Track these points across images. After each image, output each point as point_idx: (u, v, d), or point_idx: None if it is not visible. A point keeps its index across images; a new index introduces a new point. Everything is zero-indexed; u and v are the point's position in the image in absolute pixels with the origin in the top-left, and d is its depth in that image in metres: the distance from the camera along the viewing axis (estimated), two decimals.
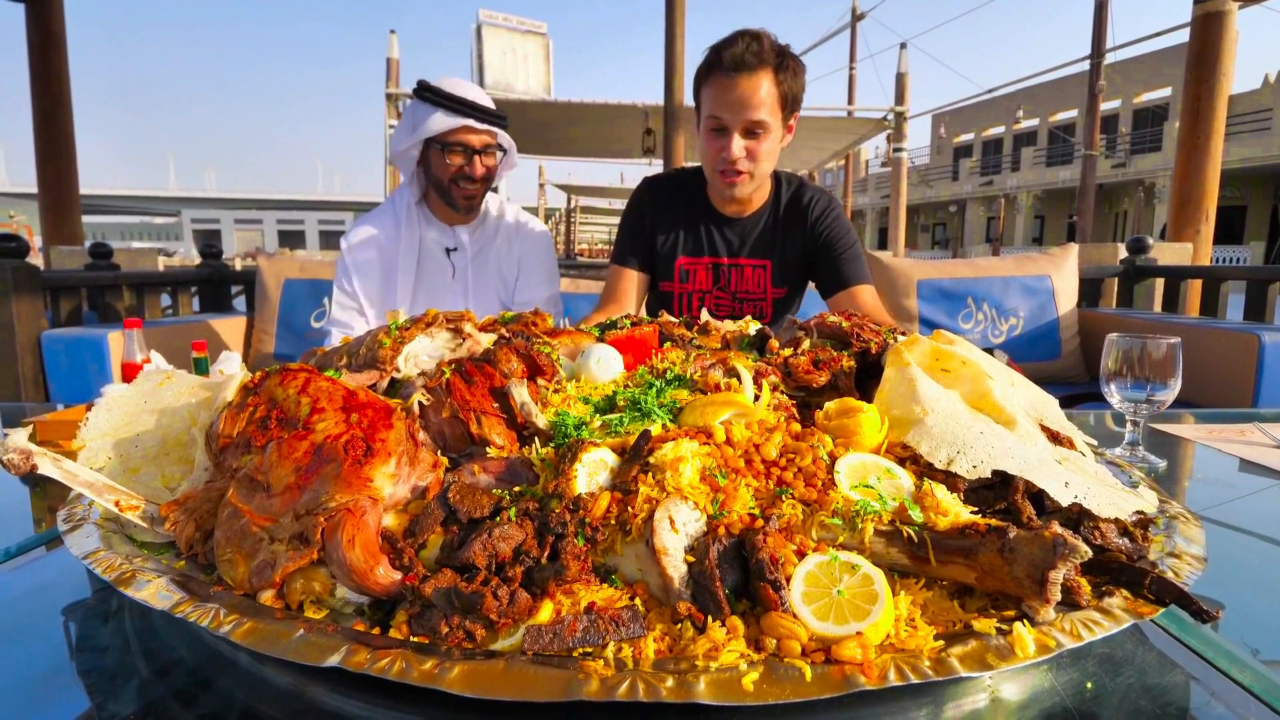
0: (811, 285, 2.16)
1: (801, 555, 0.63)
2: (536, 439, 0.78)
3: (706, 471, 0.69)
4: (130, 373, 1.47)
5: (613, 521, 0.65)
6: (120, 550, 0.73)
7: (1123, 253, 3.78)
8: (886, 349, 1.02)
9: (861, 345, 1.02)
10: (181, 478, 0.86)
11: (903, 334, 1.08)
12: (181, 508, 0.75)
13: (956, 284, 3.27)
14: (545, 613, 0.58)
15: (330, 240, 68.58)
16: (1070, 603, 0.61)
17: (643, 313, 2.22)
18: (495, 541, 0.61)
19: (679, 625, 0.59)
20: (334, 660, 0.54)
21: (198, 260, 4.02)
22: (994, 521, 0.62)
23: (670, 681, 0.52)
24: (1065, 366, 3.22)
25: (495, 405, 0.80)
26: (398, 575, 0.62)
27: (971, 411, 0.83)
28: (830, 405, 0.83)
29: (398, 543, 0.64)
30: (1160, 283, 3.56)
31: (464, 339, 0.95)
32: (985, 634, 0.57)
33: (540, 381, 0.87)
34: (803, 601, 0.59)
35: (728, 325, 1.42)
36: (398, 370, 0.89)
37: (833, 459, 0.72)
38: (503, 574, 0.60)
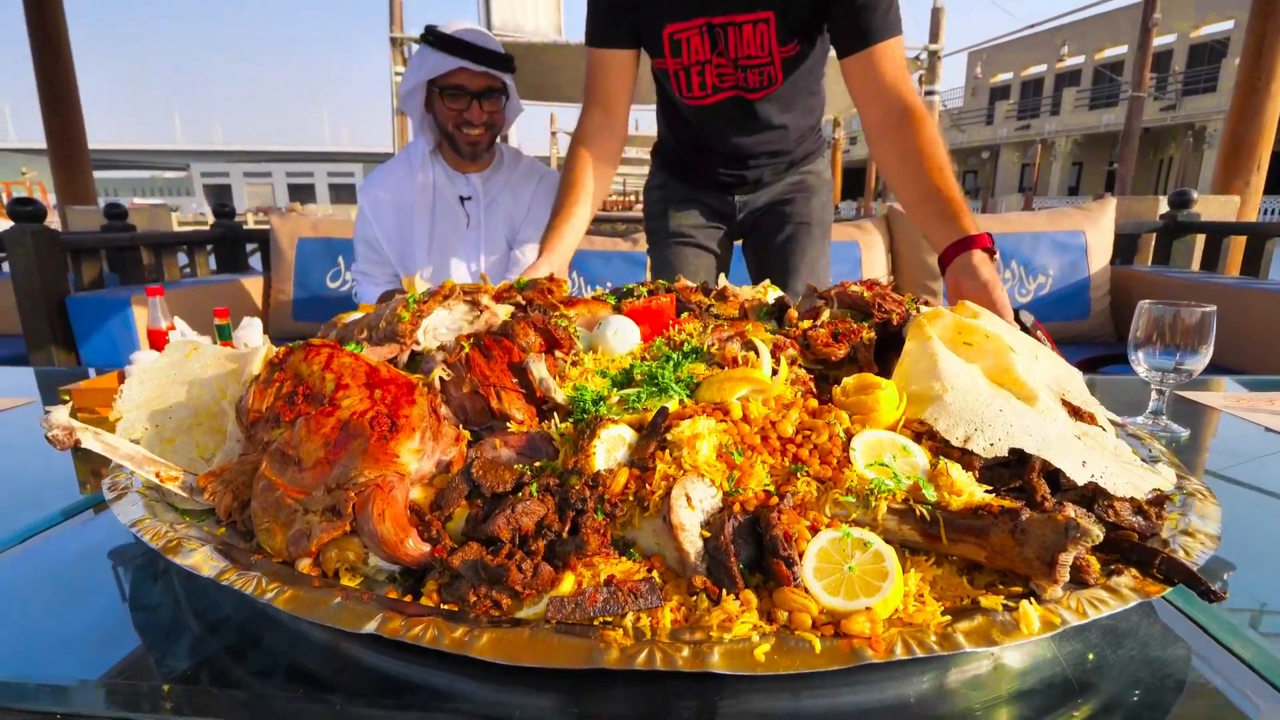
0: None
1: (815, 531, 0.64)
2: (555, 413, 0.80)
3: (723, 448, 0.70)
4: (156, 339, 1.51)
5: (631, 497, 0.67)
6: (164, 518, 0.77)
7: (1163, 206, 3.64)
8: (908, 320, 1.01)
9: (883, 316, 1.01)
10: (215, 447, 0.90)
11: (926, 304, 1.07)
12: (218, 479, 0.78)
13: None
14: (567, 584, 0.61)
15: (340, 194, 68.42)
16: (1078, 580, 0.62)
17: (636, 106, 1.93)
18: (519, 516, 0.64)
19: (694, 597, 0.61)
20: (371, 628, 0.57)
21: (210, 217, 4.05)
22: (1007, 502, 0.63)
23: (686, 651, 0.54)
24: (1094, 326, 3.16)
25: (514, 380, 0.81)
26: (426, 547, 0.65)
27: (992, 387, 0.83)
28: (848, 380, 0.83)
29: (425, 516, 0.67)
30: (1201, 238, 3.44)
31: (481, 311, 0.96)
32: (992, 610, 0.59)
33: (558, 354, 0.89)
34: (814, 577, 0.61)
35: (745, 293, 1.41)
36: (417, 343, 0.91)
37: (849, 436, 0.73)
38: (526, 547, 0.63)
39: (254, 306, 3.53)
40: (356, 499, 0.66)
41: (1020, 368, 0.86)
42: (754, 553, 0.64)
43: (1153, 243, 3.58)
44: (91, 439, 0.77)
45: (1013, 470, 0.72)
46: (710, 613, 0.59)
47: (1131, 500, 0.71)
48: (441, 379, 0.80)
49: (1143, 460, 0.83)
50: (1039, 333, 1.04)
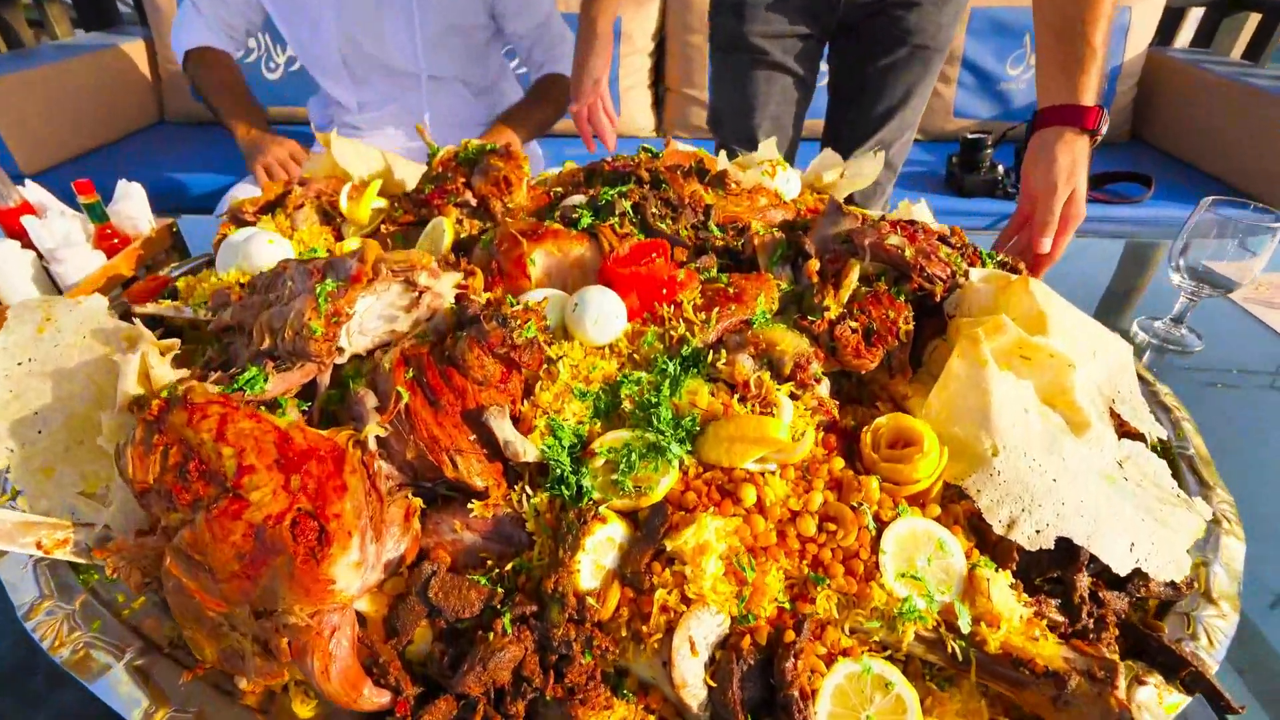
0: None
1: (831, 660, 0.57)
2: (526, 477, 0.65)
3: (732, 559, 0.58)
4: (8, 220, 1.18)
5: (624, 622, 0.57)
6: (64, 603, 0.65)
7: None
8: (953, 291, 0.83)
9: (923, 284, 0.82)
10: (105, 476, 0.73)
11: (977, 262, 0.88)
12: (118, 555, 0.64)
13: (1016, 16, 2.66)
14: None
15: None
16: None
17: None
18: (492, 673, 0.54)
19: None
20: None
21: None
22: (1054, 659, 0.56)
23: None
24: (1111, 126, 2.84)
25: (471, 437, 0.64)
26: (386, 696, 0.55)
27: (1044, 420, 0.70)
28: (882, 425, 0.69)
29: (379, 656, 0.56)
30: (1254, 19, 2.94)
31: (419, 292, 0.73)
32: None
33: (522, 365, 0.70)
34: None
35: (750, 178, 1.15)
36: (340, 354, 0.70)
37: (879, 525, 0.62)
38: (502, 707, 0.54)
39: (140, 81, 2.86)
40: (290, 649, 0.54)
41: (1078, 390, 0.73)
42: (762, 694, 0.56)
43: (1198, 19, 3.07)
44: None
45: (1055, 557, 0.64)
46: None
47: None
48: (377, 438, 0.63)
49: (1173, 495, 0.74)
50: (1091, 326, 0.86)
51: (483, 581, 0.59)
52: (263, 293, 0.76)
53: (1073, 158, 1.08)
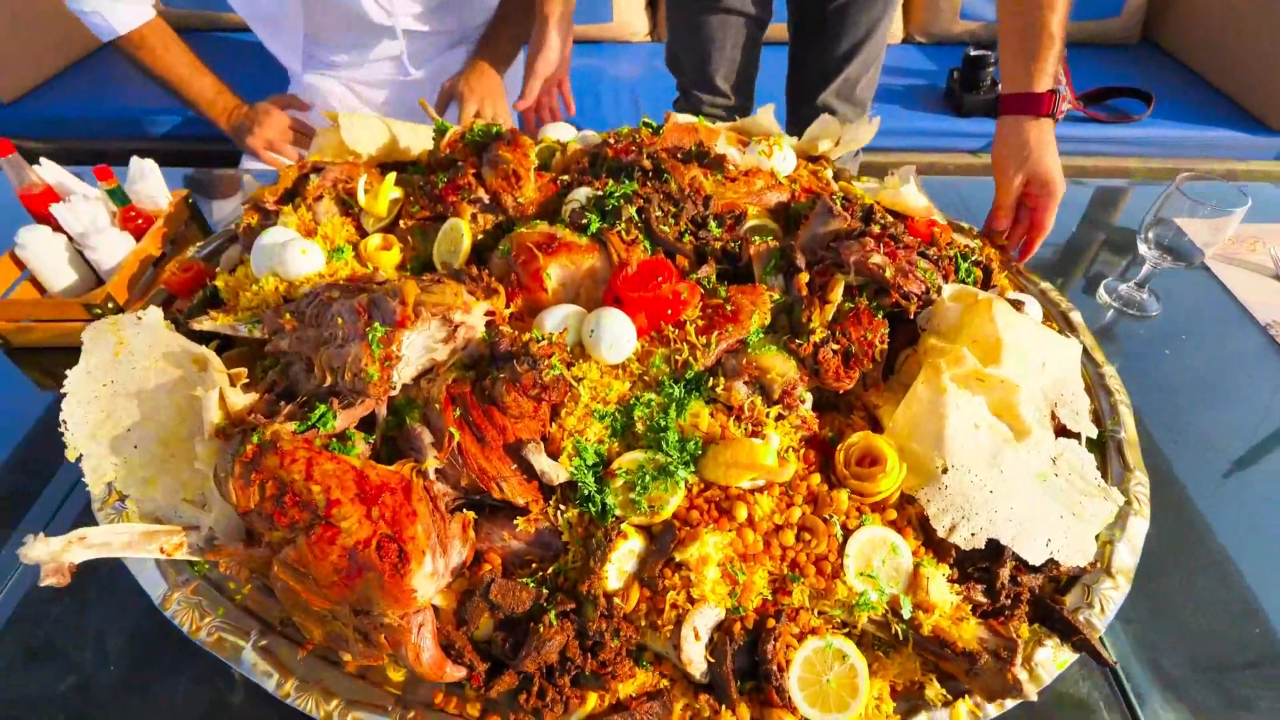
0: None
1: (803, 637, 0.74)
2: (558, 493, 0.79)
3: (727, 566, 0.74)
4: (37, 204, 1.22)
5: (643, 614, 0.74)
6: (189, 594, 0.80)
7: None
8: (927, 307, 0.94)
9: (900, 298, 0.92)
10: (200, 485, 0.86)
11: (952, 273, 0.97)
12: (228, 558, 0.79)
13: None
14: (590, 703, 0.72)
15: None
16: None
17: None
18: (544, 657, 0.71)
19: (699, 701, 0.74)
20: None
21: None
22: (970, 644, 0.72)
23: None
24: (1123, 28, 2.73)
25: (513, 465, 0.77)
26: (463, 672, 0.73)
27: (991, 434, 0.83)
28: (854, 443, 0.82)
29: (455, 643, 0.73)
30: None
31: (455, 327, 0.83)
32: (931, 704, 0.74)
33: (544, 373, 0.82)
34: (799, 686, 0.73)
35: (747, 161, 1.21)
36: (394, 389, 0.81)
37: (845, 533, 0.77)
38: (552, 680, 0.71)
39: None
40: (388, 643, 0.70)
41: (1022, 406, 0.86)
42: (748, 662, 0.74)
43: None
44: (82, 551, 0.75)
45: (986, 553, 0.79)
46: None
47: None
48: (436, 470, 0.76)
49: (1096, 484, 0.89)
50: (1046, 340, 0.96)
51: (530, 584, 0.75)
52: (314, 325, 0.85)
53: (1036, 140, 1.16)
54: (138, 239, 1.28)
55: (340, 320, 0.83)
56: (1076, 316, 1.19)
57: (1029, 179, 1.19)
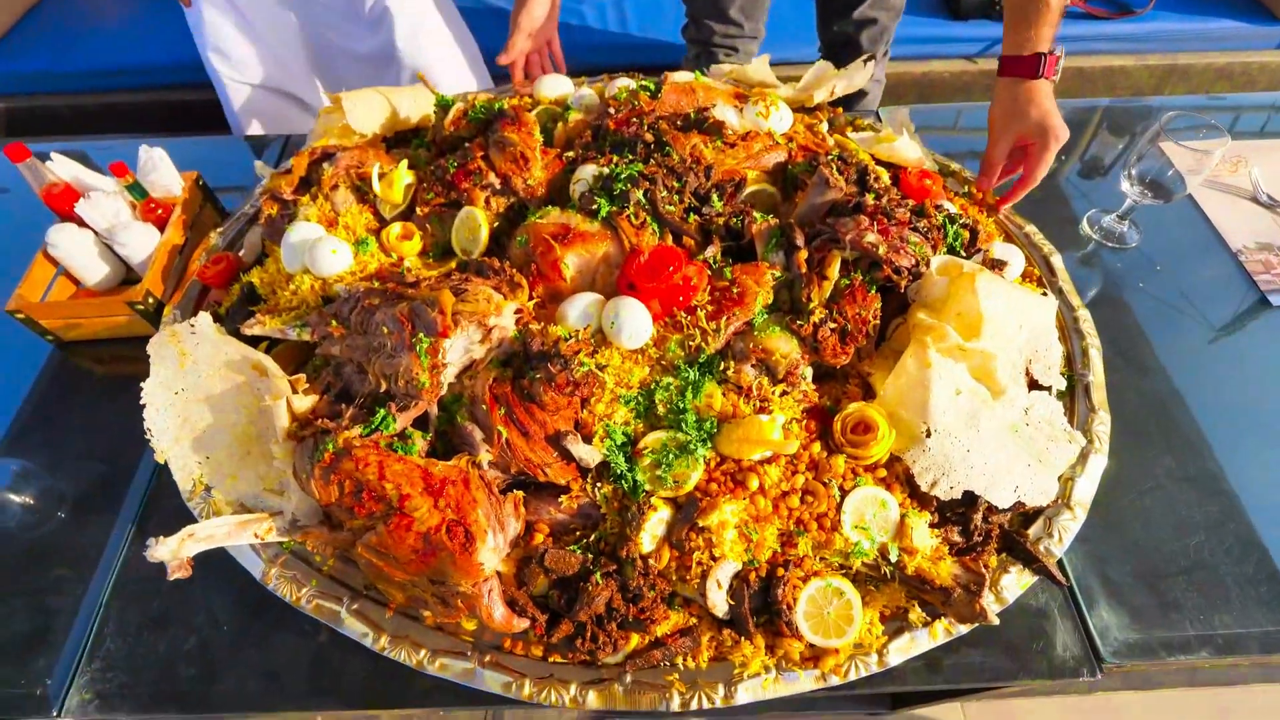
0: None
1: (807, 579, 0.89)
2: (594, 471, 0.91)
3: (742, 528, 0.87)
4: (59, 202, 1.24)
5: (673, 569, 0.88)
6: (284, 568, 0.94)
7: None
8: (916, 279, 1.02)
9: (893, 270, 1.00)
10: (276, 475, 0.98)
11: (941, 243, 1.05)
12: (315, 540, 0.92)
13: None
14: (634, 642, 0.88)
15: None
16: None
17: None
18: (594, 608, 0.86)
19: (723, 633, 0.89)
20: (513, 694, 0.86)
21: None
22: (945, 578, 0.87)
23: (721, 690, 0.86)
24: None
25: (554, 453, 0.89)
26: (527, 623, 0.88)
27: (971, 397, 0.94)
28: (850, 412, 0.93)
29: (517, 601, 0.87)
30: None
31: (490, 330, 0.92)
32: (914, 625, 0.90)
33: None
34: (804, 619, 0.88)
35: (745, 123, 1.24)
36: (442, 388, 0.91)
37: (843, 493, 0.90)
38: (602, 624, 0.87)
39: None
40: (464, 606, 0.85)
41: (999, 371, 0.96)
42: (762, 601, 0.89)
43: None
44: (195, 545, 0.87)
45: (962, 500, 0.93)
46: (733, 650, 0.88)
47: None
48: (489, 461, 0.88)
49: (1064, 430, 1.01)
50: (1029, 302, 1.04)
51: (577, 550, 0.88)
52: (361, 333, 0.94)
53: (1030, 98, 1.20)
54: (160, 228, 1.32)
55: (386, 330, 0.91)
56: (1057, 260, 1.27)
57: (1024, 131, 1.23)
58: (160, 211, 1.33)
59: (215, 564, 0.98)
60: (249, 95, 1.95)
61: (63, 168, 1.30)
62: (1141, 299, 1.37)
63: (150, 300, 1.24)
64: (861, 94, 2.19)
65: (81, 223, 1.28)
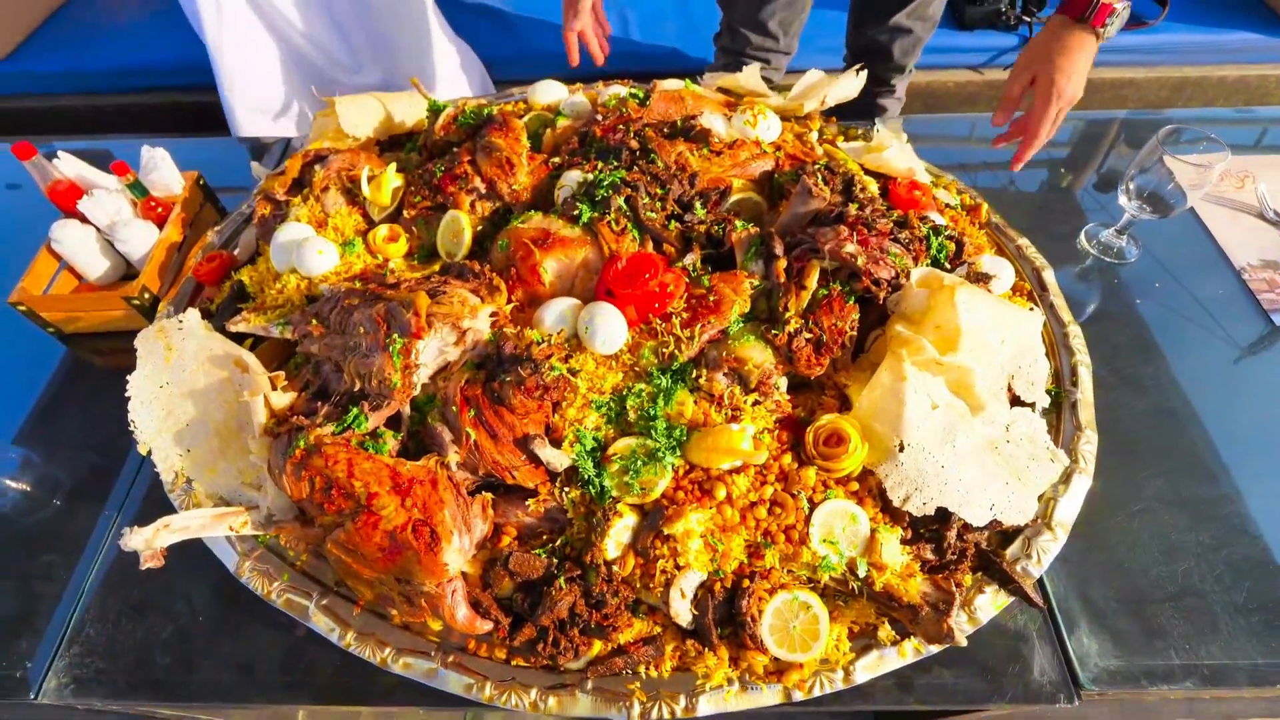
0: None
1: (773, 591, 0.88)
2: (562, 475, 0.91)
3: (708, 538, 0.87)
4: (64, 199, 1.28)
5: (637, 576, 0.88)
6: (257, 561, 0.95)
7: None
8: (896, 291, 1.01)
9: (872, 281, 1.00)
10: (254, 470, 0.99)
11: (923, 255, 1.03)
12: (288, 535, 0.93)
13: None
14: (596, 648, 0.88)
15: None
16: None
17: None
18: (556, 613, 0.85)
19: (687, 642, 0.89)
20: (474, 696, 0.86)
21: None
22: (914, 596, 0.86)
23: (682, 701, 0.86)
24: None
25: (522, 457, 0.89)
26: (490, 625, 0.88)
27: (947, 411, 0.93)
28: (823, 424, 0.92)
29: (481, 602, 0.88)
30: None
31: (464, 333, 0.92)
32: (882, 643, 0.88)
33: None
34: (769, 632, 0.87)
35: (733, 132, 1.24)
36: (414, 390, 0.92)
37: (812, 506, 0.89)
38: (564, 630, 0.86)
39: None
40: (428, 606, 0.85)
41: (978, 385, 0.95)
42: (727, 613, 0.88)
43: None
44: (170, 535, 0.89)
45: (936, 517, 0.91)
46: (696, 660, 0.88)
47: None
48: (456, 463, 0.88)
49: (1047, 448, 0.99)
50: (1010, 318, 1.02)
51: (542, 554, 0.88)
52: (339, 332, 0.95)
53: (1062, 43, 1.20)
54: (160, 226, 1.35)
55: (362, 330, 0.92)
56: (1049, 276, 1.25)
57: (1038, 76, 1.22)
58: (160, 210, 1.36)
59: (195, 554, 1.00)
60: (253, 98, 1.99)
61: (68, 165, 1.34)
62: (1138, 316, 1.34)
63: (146, 296, 1.27)
64: (883, 110, 2.18)
65: (84, 219, 1.32)
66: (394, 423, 0.93)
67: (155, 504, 1.12)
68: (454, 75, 1.93)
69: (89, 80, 2.48)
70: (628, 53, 2.48)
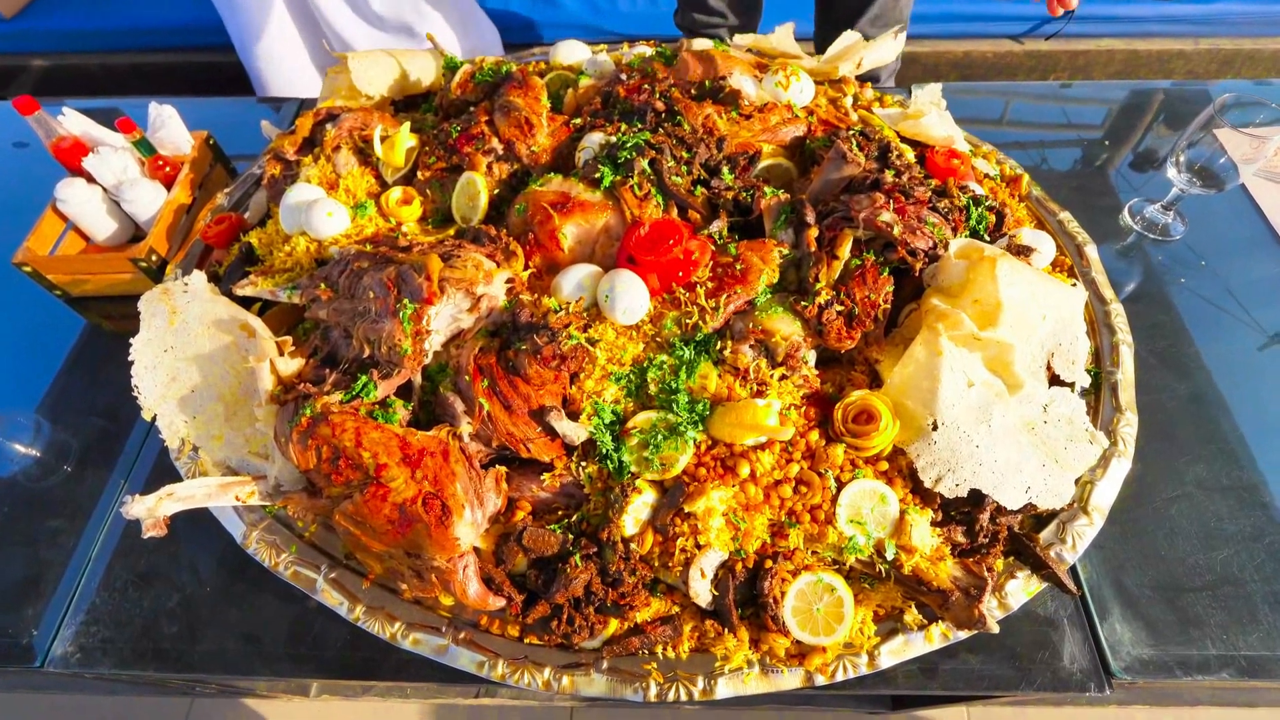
0: None
1: (797, 572, 0.85)
2: (579, 449, 0.88)
3: (730, 516, 0.83)
4: (68, 156, 1.24)
5: (656, 555, 0.84)
6: (265, 532, 0.93)
7: None
8: (933, 263, 0.96)
9: (908, 252, 0.94)
10: (261, 438, 0.96)
11: (962, 225, 0.98)
12: (297, 506, 0.91)
13: None
14: (612, 627, 0.85)
15: None
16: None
17: None
18: (571, 591, 0.82)
19: (706, 622, 0.86)
20: (485, 674, 0.83)
21: None
22: (945, 581, 0.82)
23: (700, 683, 0.83)
24: None
25: (538, 429, 0.85)
26: (503, 601, 0.85)
27: (983, 390, 0.88)
28: (852, 400, 0.88)
29: (494, 578, 0.85)
30: None
31: (478, 299, 0.88)
32: (908, 628, 0.85)
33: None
34: (791, 614, 0.84)
35: (761, 94, 1.18)
36: (426, 358, 0.88)
37: (839, 485, 0.85)
38: (580, 608, 0.84)
39: None
40: (439, 582, 0.83)
41: (1016, 363, 0.90)
42: (748, 593, 0.85)
43: None
44: (173, 504, 0.86)
45: (969, 499, 0.87)
46: (715, 642, 0.85)
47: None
48: (470, 433, 0.84)
49: (1085, 429, 0.94)
50: (1053, 292, 0.96)
51: (557, 530, 0.85)
52: (348, 297, 0.91)
53: None
54: (168, 186, 1.32)
55: (372, 294, 0.88)
56: (1091, 250, 1.19)
57: None
58: (168, 169, 1.32)
59: (202, 523, 0.98)
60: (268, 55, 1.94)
61: (72, 122, 1.30)
62: (1183, 295, 1.28)
63: (154, 258, 1.24)
64: (873, 77, 2.10)
65: (90, 178, 1.28)
66: (404, 392, 0.90)
67: (164, 471, 1.10)
68: (470, 41, 1.88)
69: (101, 39, 2.43)
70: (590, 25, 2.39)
